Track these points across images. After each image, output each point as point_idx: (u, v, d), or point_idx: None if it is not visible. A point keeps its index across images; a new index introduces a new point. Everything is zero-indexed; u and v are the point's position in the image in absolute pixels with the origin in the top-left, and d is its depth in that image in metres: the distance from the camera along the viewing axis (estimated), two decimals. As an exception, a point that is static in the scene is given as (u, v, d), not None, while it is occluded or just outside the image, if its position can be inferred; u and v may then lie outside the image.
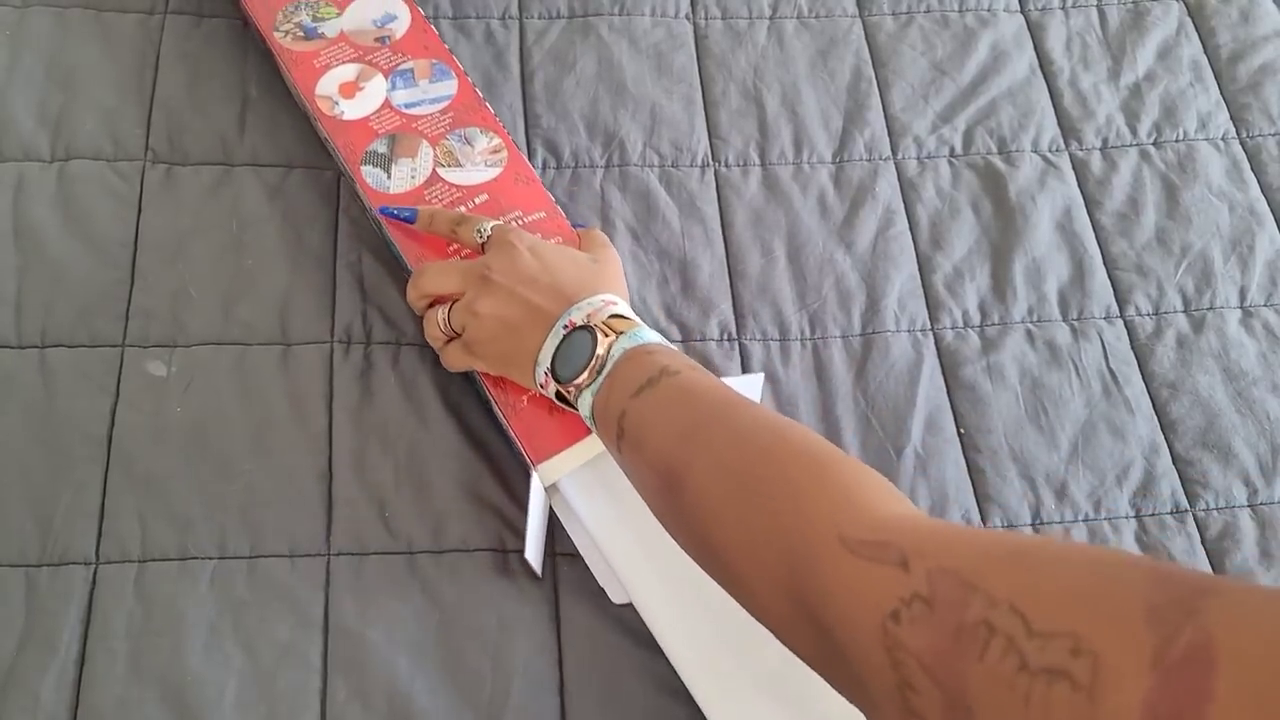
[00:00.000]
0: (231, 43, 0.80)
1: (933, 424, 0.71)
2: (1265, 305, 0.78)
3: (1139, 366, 0.75)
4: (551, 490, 0.63)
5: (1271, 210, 0.82)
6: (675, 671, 0.60)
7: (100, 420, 0.65)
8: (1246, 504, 0.70)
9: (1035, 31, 0.89)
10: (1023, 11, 0.90)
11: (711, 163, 0.80)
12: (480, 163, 0.70)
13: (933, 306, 0.76)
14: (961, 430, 0.71)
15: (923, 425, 0.70)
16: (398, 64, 0.73)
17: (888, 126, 0.83)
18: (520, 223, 0.68)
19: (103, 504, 0.62)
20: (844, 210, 0.79)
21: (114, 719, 0.57)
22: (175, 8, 0.81)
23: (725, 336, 0.72)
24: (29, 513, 0.62)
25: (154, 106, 0.77)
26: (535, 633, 0.62)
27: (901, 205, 0.79)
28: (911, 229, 0.79)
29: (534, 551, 0.62)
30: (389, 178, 0.69)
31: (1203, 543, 0.68)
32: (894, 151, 0.82)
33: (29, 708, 0.56)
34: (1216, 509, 0.69)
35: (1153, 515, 0.69)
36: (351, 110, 0.71)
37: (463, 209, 0.68)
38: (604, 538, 0.62)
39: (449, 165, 0.69)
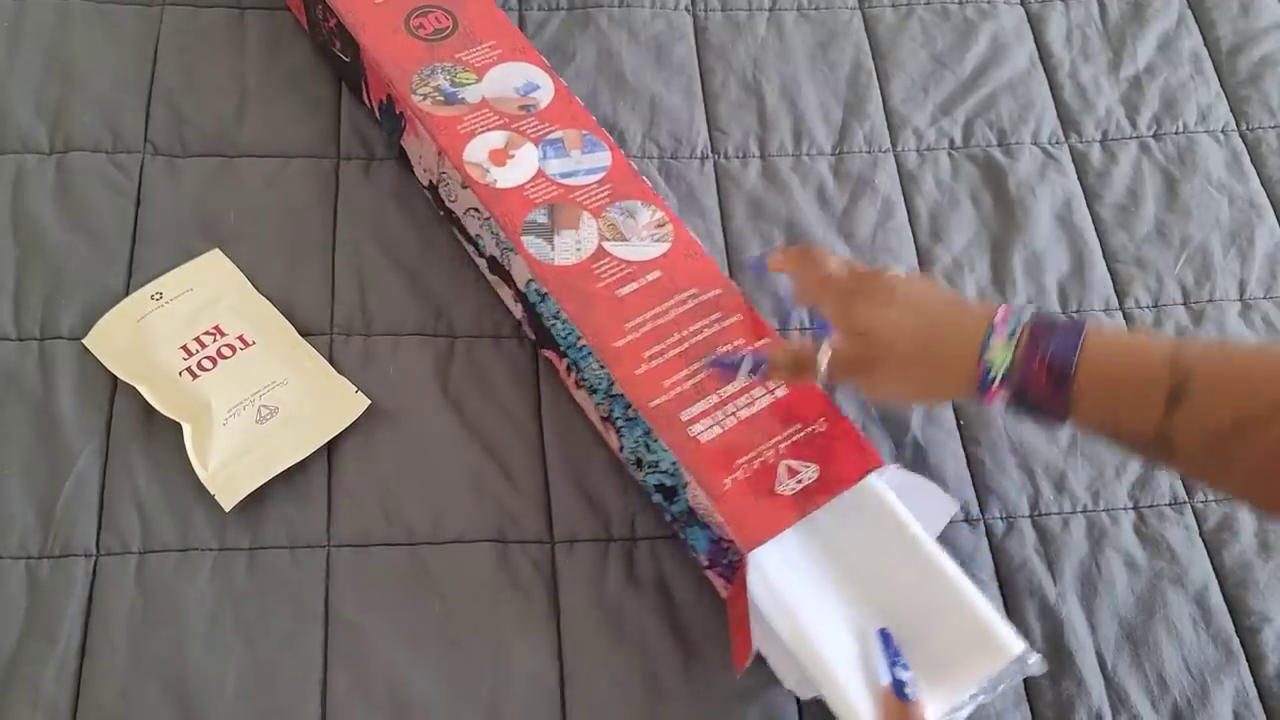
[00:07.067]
0: (230, 33, 0.80)
1: (932, 415, 0.71)
2: (1265, 298, 0.78)
3: (1138, 359, 0.75)
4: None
5: (1271, 203, 0.82)
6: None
7: (99, 412, 0.65)
8: (1245, 496, 0.70)
9: (1035, 24, 0.89)
10: (1023, 4, 0.90)
11: (711, 154, 0.80)
12: (646, 237, 0.67)
13: (932, 298, 0.75)
14: (961, 421, 0.71)
15: (922, 416, 0.70)
16: (546, 133, 0.70)
17: (887, 119, 0.83)
18: (695, 301, 0.65)
19: (102, 495, 0.62)
20: (844, 202, 0.79)
21: (115, 710, 0.57)
22: (174, -1, 0.81)
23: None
24: (30, 504, 0.62)
25: (153, 98, 0.76)
26: (535, 624, 0.62)
27: (901, 197, 0.79)
28: (911, 221, 0.79)
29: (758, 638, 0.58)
30: (552, 249, 0.66)
31: (1200, 534, 0.68)
32: (894, 143, 0.82)
33: (30, 699, 0.56)
34: (1215, 500, 0.69)
35: (1151, 507, 0.69)
36: (504, 178, 0.68)
37: (634, 285, 0.65)
38: (785, 623, 0.58)
39: (614, 239, 0.67)
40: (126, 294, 0.68)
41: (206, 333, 0.67)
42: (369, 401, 0.66)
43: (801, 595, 0.58)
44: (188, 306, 0.68)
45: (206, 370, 0.65)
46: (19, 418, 0.64)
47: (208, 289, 0.69)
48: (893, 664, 0.56)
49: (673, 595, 0.63)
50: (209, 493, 0.62)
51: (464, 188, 0.68)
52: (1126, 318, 0.76)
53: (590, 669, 0.61)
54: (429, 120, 0.70)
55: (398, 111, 0.72)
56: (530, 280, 0.66)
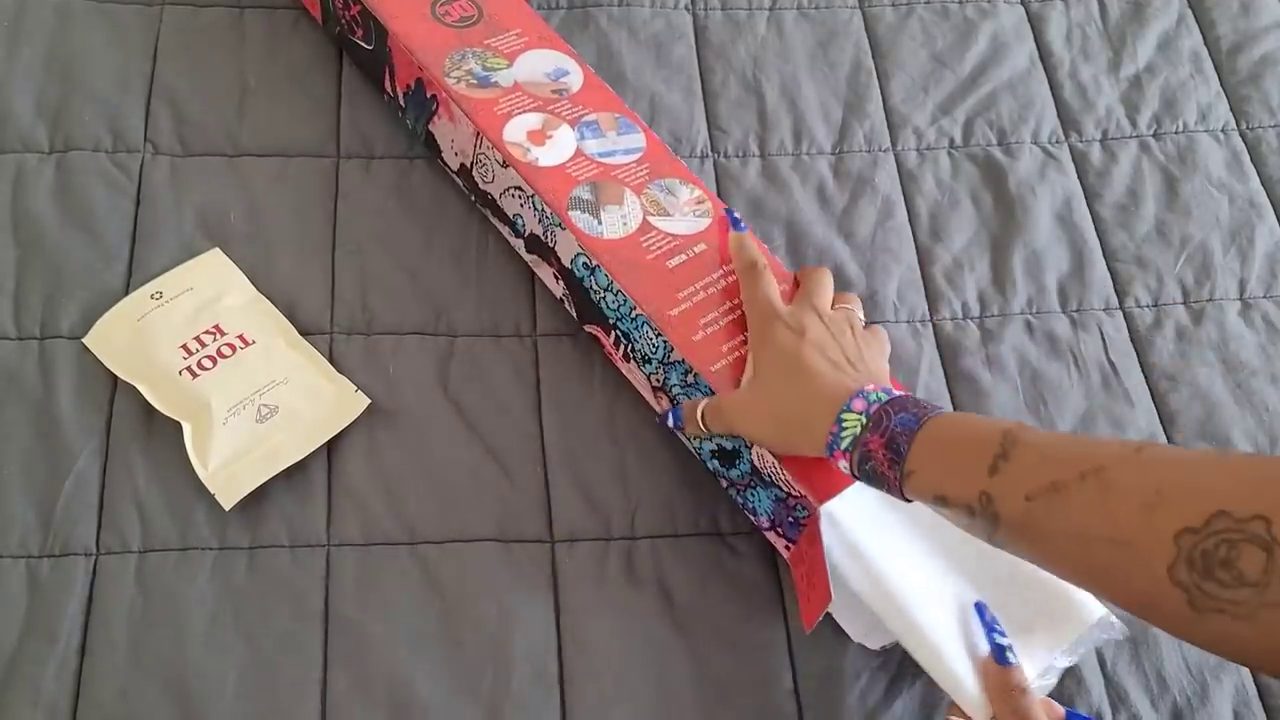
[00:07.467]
0: (230, 32, 0.80)
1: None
2: (1264, 297, 0.78)
3: (1138, 358, 0.75)
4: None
5: (1271, 202, 0.82)
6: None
7: (99, 411, 0.65)
8: (1245, 495, 0.70)
9: (1035, 23, 0.89)
10: (1023, 3, 0.90)
11: (711, 153, 0.80)
12: (689, 213, 0.68)
13: (932, 297, 0.76)
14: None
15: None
16: (581, 115, 0.72)
17: (887, 118, 0.83)
18: None
19: (102, 495, 0.62)
20: (843, 201, 0.79)
21: (115, 709, 0.57)
22: (174, -2, 0.81)
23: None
24: (30, 504, 0.62)
25: (153, 97, 0.76)
26: (536, 622, 0.62)
27: (901, 196, 0.79)
28: (911, 220, 0.79)
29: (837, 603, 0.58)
30: (599, 223, 0.67)
31: (1201, 534, 0.68)
32: (894, 143, 0.82)
33: (31, 698, 0.56)
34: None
35: (1151, 506, 0.69)
36: (545, 157, 0.69)
37: (682, 257, 0.67)
38: (858, 574, 0.58)
39: (657, 214, 0.68)
40: (126, 293, 0.68)
41: (206, 332, 0.67)
42: (369, 401, 0.66)
43: (877, 550, 0.58)
44: (188, 306, 0.68)
45: (206, 369, 0.65)
46: (19, 417, 0.64)
47: (208, 288, 0.69)
48: (989, 631, 0.57)
49: (673, 594, 0.63)
50: (209, 492, 0.62)
51: (504, 166, 0.69)
52: (1126, 317, 0.76)
53: (591, 668, 0.61)
54: (466, 102, 0.71)
55: (429, 95, 0.73)
56: (578, 254, 0.66)
